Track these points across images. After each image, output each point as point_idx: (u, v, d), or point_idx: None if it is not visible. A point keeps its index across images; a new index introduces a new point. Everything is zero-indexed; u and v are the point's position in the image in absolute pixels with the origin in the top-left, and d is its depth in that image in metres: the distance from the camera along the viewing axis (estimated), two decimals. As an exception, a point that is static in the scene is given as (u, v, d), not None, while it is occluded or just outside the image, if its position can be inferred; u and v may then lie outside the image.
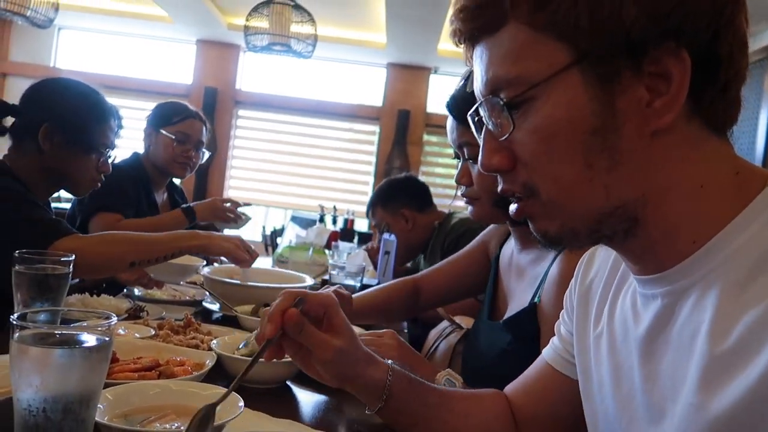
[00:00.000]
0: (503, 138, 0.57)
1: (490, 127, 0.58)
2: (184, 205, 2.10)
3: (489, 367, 1.14)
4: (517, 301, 1.16)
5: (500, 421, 0.84)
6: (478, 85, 0.59)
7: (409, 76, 5.69)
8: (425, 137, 5.78)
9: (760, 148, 3.69)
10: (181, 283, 1.82)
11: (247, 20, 3.92)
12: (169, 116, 2.18)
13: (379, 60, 5.63)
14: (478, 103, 0.59)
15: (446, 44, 5.09)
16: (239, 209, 2.21)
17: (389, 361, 0.81)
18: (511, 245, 1.29)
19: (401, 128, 5.64)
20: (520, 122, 0.55)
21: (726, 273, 0.52)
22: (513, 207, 0.60)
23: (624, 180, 0.54)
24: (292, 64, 5.62)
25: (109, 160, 1.50)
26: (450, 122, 1.17)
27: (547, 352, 0.83)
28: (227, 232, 2.13)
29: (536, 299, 1.07)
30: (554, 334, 0.83)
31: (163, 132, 2.14)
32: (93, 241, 1.31)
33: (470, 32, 0.58)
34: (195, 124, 2.21)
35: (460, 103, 1.11)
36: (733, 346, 0.48)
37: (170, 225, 1.95)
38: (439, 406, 0.81)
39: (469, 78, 1.02)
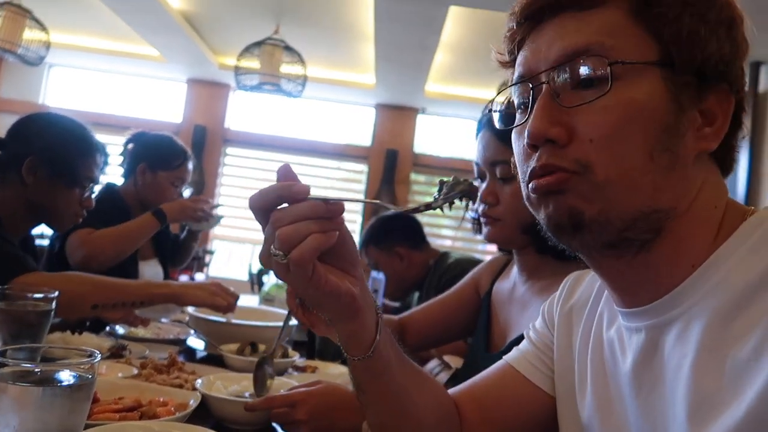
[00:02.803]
0: (573, 106, 0.55)
1: (553, 95, 0.56)
2: (153, 208, 2.02)
3: None
4: (521, 331, 1.09)
5: (449, 417, 0.78)
6: (545, 54, 0.58)
7: (398, 116, 5.77)
8: (413, 176, 5.82)
9: (741, 192, 3.76)
10: (166, 320, 1.79)
11: (238, 60, 3.98)
12: (169, 160, 2.16)
13: (368, 100, 5.71)
14: (550, 66, 0.57)
15: (433, 85, 5.19)
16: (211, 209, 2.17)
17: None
18: (510, 279, 1.25)
19: (389, 167, 5.68)
20: (602, 95, 0.54)
21: (709, 306, 0.52)
22: (543, 181, 0.56)
23: (670, 186, 0.55)
24: (282, 104, 5.69)
25: (93, 196, 1.49)
26: (485, 139, 1.12)
27: (511, 357, 0.80)
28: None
29: None
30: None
31: (164, 176, 2.12)
32: (55, 279, 1.26)
33: (561, 1, 0.57)
34: (189, 166, 2.22)
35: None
36: (719, 383, 0.48)
37: (143, 228, 1.92)
38: (418, 379, 0.76)
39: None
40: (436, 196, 0.60)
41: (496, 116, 0.66)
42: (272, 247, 0.56)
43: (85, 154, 1.46)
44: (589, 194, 0.55)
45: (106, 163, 1.54)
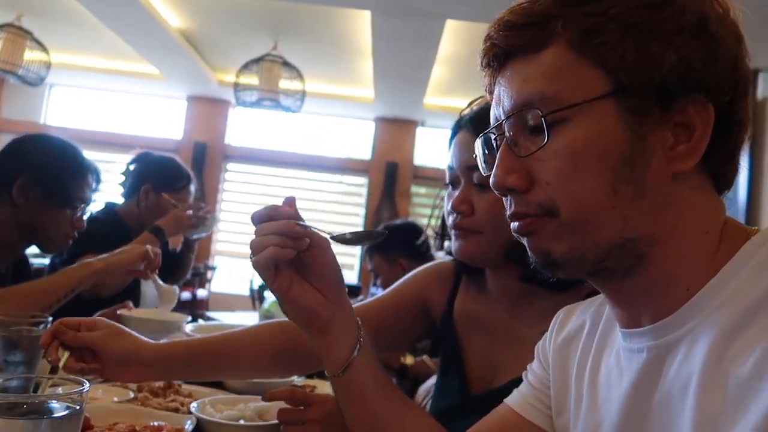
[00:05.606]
0: (527, 155, 0.56)
1: (511, 145, 0.57)
2: (149, 226, 2.00)
3: None
4: (518, 370, 0.86)
5: None
6: (503, 105, 0.59)
7: (397, 129, 5.79)
8: (413, 189, 5.83)
9: (741, 200, 3.75)
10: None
11: (237, 77, 4.01)
12: (172, 182, 2.17)
13: (367, 114, 5.73)
14: (504, 119, 0.58)
15: (432, 98, 5.21)
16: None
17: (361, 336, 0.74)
18: (479, 302, 1.07)
19: (389, 180, 5.69)
20: (549, 141, 0.54)
21: (714, 326, 0.51)
22: (516, 224, 0.58)
23: (643, 214, 0.54)
24: (281, 119, 5.71)
25: (85, 216, 1.49)
26: (463, 141, 0.97)
27: (512, 400, 0.78)
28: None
29: None
30: None
31: (167, 198, 2.12)
32: None
33: (508, 49, 0.58)
34: (192, 189, 2.23)
35: (485, 120, 0.77)
36: (723, 401, 0.48)
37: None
38: (401, 411, 0.76)
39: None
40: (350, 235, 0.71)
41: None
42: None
43: (77, 175, 1.46)
44: (557, 234, 0.56)
45: (98, 184, 1.54)
